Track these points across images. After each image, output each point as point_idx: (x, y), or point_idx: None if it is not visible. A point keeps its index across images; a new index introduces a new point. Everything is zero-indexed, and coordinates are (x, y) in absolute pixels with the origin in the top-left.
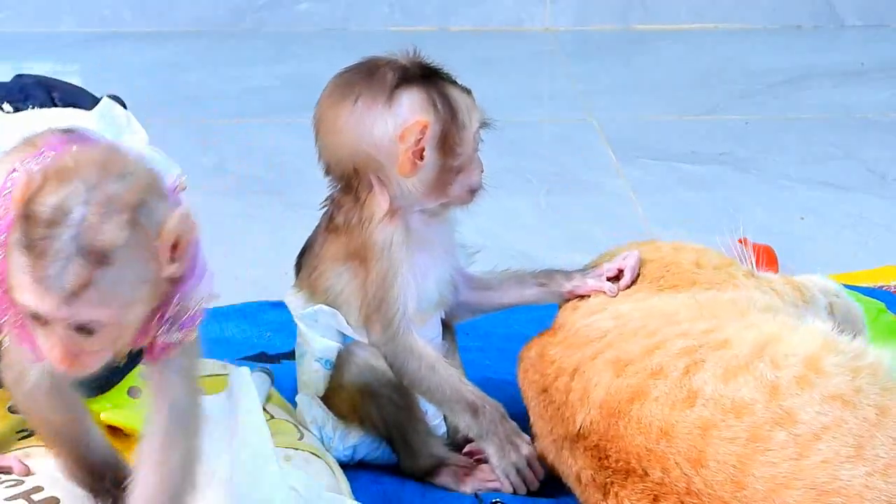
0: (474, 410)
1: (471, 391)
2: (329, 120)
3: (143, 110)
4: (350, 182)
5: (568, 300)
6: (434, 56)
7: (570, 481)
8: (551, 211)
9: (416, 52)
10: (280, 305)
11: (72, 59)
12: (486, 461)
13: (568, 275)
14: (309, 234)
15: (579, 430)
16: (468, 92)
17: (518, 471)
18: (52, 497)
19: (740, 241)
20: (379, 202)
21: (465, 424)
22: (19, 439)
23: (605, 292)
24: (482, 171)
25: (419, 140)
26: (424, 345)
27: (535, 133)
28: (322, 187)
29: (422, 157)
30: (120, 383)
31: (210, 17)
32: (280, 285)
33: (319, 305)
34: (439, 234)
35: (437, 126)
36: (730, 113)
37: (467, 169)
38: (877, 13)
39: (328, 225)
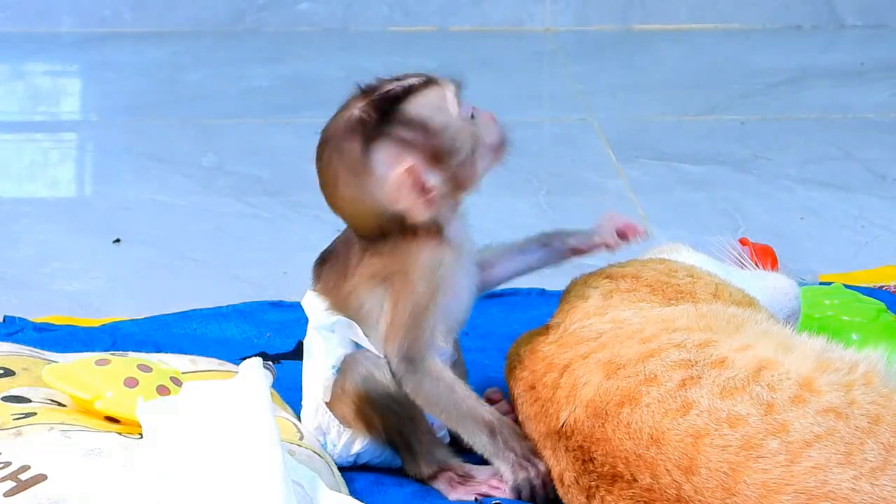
0: (491, 430)
1: (488, 411)
2: (332, 189)
3: (143, 110)
4: (385, 230)
5: (571, 255)
6: (434, 56)
7: (553, 481)
8: (551, 211)
9: (364, 86)
10: (280, 305)
11: (72, 59)
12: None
13: (571, 232)
14: (309, 233)
15: (562, 426)
16: (427, 83)
17: (532, 488)
18: (40, 474)
19: (741, 242)
20: (423, 226)
21: (481, 444)
22: (15, 419)
23: (608, 245)
24: (494, 121)
25: (417, 182)
26: (443, 366)
27: (535, 133)
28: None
29: (428, 189)
30: (117, 373)
31: (210, 17)
32: (280, 285)
33: (338, 317)
34: (469, 244)
35: (421, 156)
36: (730, 113)
37: (477, 142)
38: (877, 13)
39: (367, 245)
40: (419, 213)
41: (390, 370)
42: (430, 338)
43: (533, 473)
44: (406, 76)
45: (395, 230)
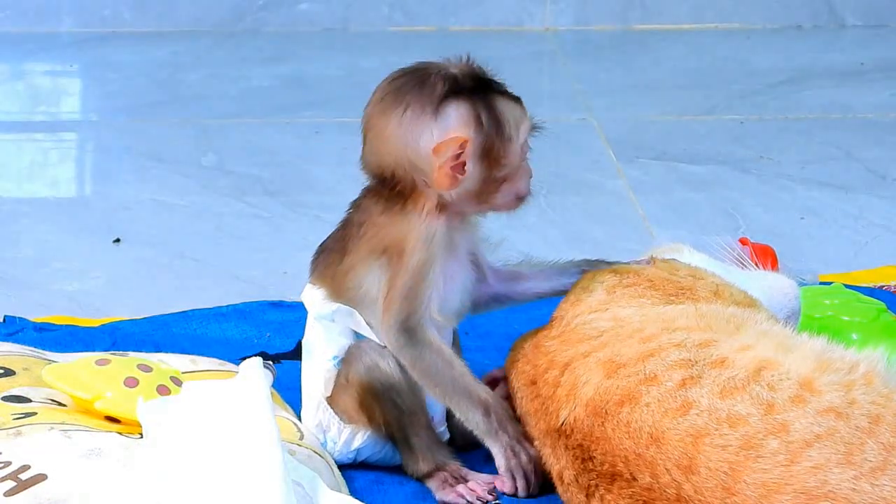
0: (486, 409)
1: (484, 390)
2: (378, 125)
3: (143, 110)
4: (393, 184)
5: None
6: (434, 56)
7: (553, 478)
8: (551, 211)
9: (468, 59)
10: (280, 305)
11: (72, 59)
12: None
13: (611, 263)
14: (309, 233)
15: (562, 425)
16: (518, 101)
17: (524, 473)
18: (40, 474)
19: (741, 242)
20: (427, 197)
21: (475, 422)
22: (15, 419)
23: None
24: (531, 177)
25: (459, 154)
26: (441, 341)
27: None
28: (322, 187)
29: (463, 171)
30: (117, 373)
31: (210, 17)
32: (280, 285)
33: (338, 305)
34: (466, 242)
35: (479, 140)
36: (730, 113)
37: (513, 177)
38: (877, 13)
39: (365, 219)
40: (440, 180)
41: (388, 342)
42: (426, 309)
43: (525, 459)
44: (502, 84)
45: (399, 189)
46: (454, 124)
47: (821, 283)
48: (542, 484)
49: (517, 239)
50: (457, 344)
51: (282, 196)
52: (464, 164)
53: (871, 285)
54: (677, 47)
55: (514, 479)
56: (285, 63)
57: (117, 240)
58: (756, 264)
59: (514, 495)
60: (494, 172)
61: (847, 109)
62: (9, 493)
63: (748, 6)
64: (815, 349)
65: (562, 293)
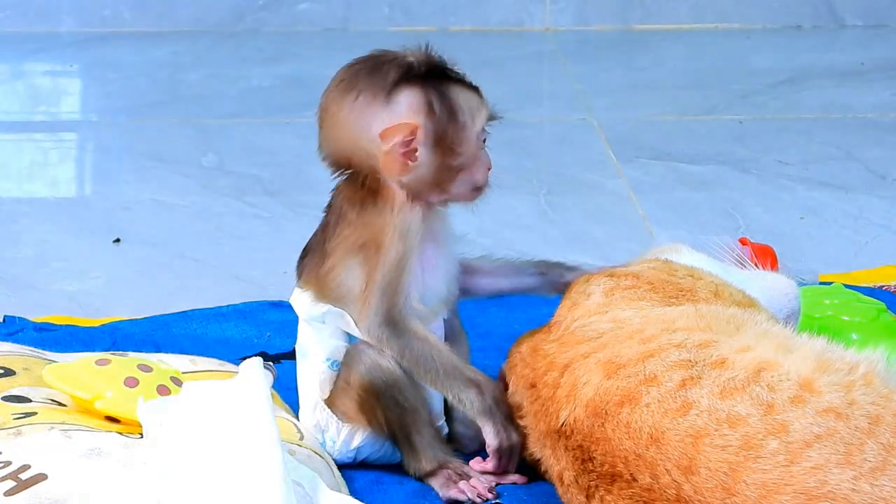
0: (478, 387)
1: (473, 370)
2: (331, 112)
3: (143, 110)
4: (356, 174)
5: (564, 290)
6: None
7: (553, 480)
8: (551, 211)
9: (427, 47)
10: (280, 305)
11: (72, 59)
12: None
13: (570, 267)
14: (309, 233)
15: (562, 426)
16: (475, 89)
17: (511, 454)
18: (41, 474)
19: (741, 242)
20: (396, 190)
21: (469, 401)
22: (15, 419)
23: None
24: (489, 169)
25: (410, 141)
26: (425, 329)
27: (535, 133)
28: (322, 187)
29: (414, 158)
30: (117, 373)
31: (210, 17)
32: (280, 285)
33: (328, 307)
34: (443, 228)
35: (431, 127)
36: (730, 113)
37: (471, 167)
38: (877, 13)
39: (339, 219)
40: (389, 168)
41: (370, 336)
42: (407, 300)
43: (515, 439)
44: (459, 72)
45: (365, 181)
46: (404, 111)
47: (821, 283)
48: (541, 484)
49: (517, 239)
50: (462, 334)
51: (282, 196)
52: (415, 150)
53: (871, 285)
54: (677, 47)
55: (500, 459)
56: (285, 63)
57: (117, 240)
58: (756, 264)
59: (498, 474)
60: (449, 161)
61: (847, 109)
62: (9, 493)
63: (748, 6)
64: (815, 349)
65: (521, 292)
